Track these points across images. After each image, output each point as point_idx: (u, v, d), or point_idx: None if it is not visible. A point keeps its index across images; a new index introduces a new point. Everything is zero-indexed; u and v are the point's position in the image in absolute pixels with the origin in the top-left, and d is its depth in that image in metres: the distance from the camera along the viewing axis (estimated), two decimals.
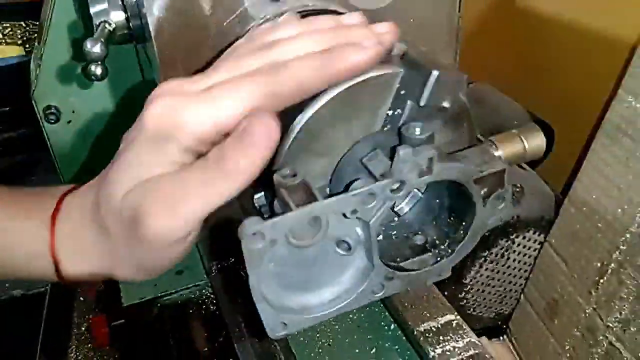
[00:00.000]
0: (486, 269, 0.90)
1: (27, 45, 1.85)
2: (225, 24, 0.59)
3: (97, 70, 0.72)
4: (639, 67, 0.75)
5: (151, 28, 0.57)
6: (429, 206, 0.51)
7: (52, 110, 0.92)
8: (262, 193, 0.49)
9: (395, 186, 0.43)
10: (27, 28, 1.94)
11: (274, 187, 0.44)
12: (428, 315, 0.69)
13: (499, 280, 0.93)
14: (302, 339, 0.73)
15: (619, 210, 0.77)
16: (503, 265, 0.91)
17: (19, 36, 1.89)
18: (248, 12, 0.59)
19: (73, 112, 0.93)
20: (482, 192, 0.45)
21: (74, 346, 1.09)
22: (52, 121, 0.92)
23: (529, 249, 0.92)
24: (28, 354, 0.99)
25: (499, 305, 0.97)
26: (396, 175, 0.42)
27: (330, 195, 0.43)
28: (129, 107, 0.98)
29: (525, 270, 0.94)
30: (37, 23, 2.05)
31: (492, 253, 0.89)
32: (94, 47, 0.61)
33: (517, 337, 0.99)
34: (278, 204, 0.44)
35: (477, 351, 0.64)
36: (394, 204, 0.52)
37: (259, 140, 0.38)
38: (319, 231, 0.44)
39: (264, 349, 0.64)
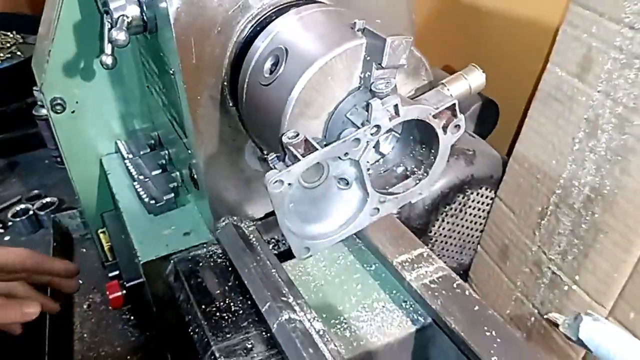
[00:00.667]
0: (447, 222, 1.05)
1: (2, 55, 1.92)
2: (230, 12, 0.72)
3: (108, 60, 0.84)
4: (562, 44, 0.92)
5: (171, 17, 0.69)
6: (405, 143, 0.65)
7: (59, 102, 1.02)
8: (274, 154, 0.62)
9: (374, 130, 0.57)
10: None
11: (283, 146, 0.58)
12: (403, 249, 0.83)
13: (458, 232, 1.09)
14: (299, 279, 0.86)
15: (553, 161, 0.93)
16: (462, 219, 1.07)
17: None
18: (249, 2, 0.73)
19: (77, 102, 1.04)
20: (442, 124, 0.59)
21: (77, 323, 1.19)
22: (59, 111, 1.03)
23: (483, 204, 1.08)
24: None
25: (459, 256, 1.13)
26: (372, 122, 0.57)
27: (327, 145, 0.57)
28: (125, 99, 1.09)
29: (481, 224, 1.10)
30: (7, 33, 2.12)
31: (451, 208, 1.04)
32: (119, 35, 0.74)
33: (477, 282, 1.15)
34: (288, 158, 0.58)
35: (444, 273, 0.79)
36: (378, 146, 0.66)
37: None
38: (323, 173, 0.59)
39: (271, 282, 0.77)
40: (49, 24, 1.00)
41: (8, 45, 1.96)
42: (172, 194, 0.95)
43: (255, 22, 0.73)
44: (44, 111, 1.59)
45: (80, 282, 1.32)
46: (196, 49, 0.72)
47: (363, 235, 0.88)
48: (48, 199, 1.58)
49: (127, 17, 0.76)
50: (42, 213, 1.53)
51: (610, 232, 0.85)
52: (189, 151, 0.85)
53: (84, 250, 1.41)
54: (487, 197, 1.07)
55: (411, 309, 0.80)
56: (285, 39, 0.69)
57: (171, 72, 0.78)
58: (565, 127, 0.91)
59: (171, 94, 0.85)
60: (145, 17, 0.77)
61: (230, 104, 0.78)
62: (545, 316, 0.63)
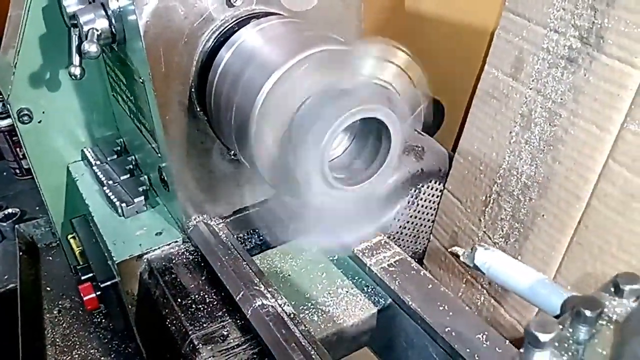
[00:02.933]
0: (402, 214, 1.14)
1: None
2: (195, 24, 0.78)
3: (77, 71, 0.89)
4: (496, 47, 1.01)
5: (141, 30, 0.74)
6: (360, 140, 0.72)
7: (25, 112, 1.05)
8: None
9: None
10: None
11: None
12: (362, 240, 0.90)
13: (412, 223, 1.17)
14: (269, 272, 0.92)
15: (494, 154, 1.03)
16: (414, 210, 1.15)
17: None
18: (212, 15, 0.79)
19: (43, 112, 1.07)
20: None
21: (49, 328, 1.22)
22: (26, 122, 1.06)
23: (433, 196, 1.16)
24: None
25: (414, 245, 1.21)
26: None
27: None
28: (90, 107, 1.13)
29: (432, 214, 1.19)
30: None
31: (405, 200, 1.12)
32: (91, 47, 0.78)
33: (431, 269, 1.24)
34: None
35: (401, 257, 0.87)
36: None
37: None
38: None
39: (243, 274, 0.83)
40: (12, 37, 1.03)
41: None
42: (143, 197, 1.00)
43: (219, 33, 0.80)
44: (1, 123, 1.60)
45: (48, 289, 1.34)
46: (165, 58, 0.78)
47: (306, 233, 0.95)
48: (10, 210, 1.59)
49: (97, 30, 0.81)
50: (4, 224, 1.54)
51: (547, 215, 0.95)
52: (159, 155, 0.90)
53: (50, 258, 1.43)
54: (436, 189, 1.16)
55: (372, 292, 0.87)
56: (248, 48, 0.76)
57: (140, 80, 0.83)
58: (502, 122, 1.01)
59: (140, 101, 0.90)
60: (113, 30, 0.82)
61: (198, 109, 0.84)
62: (449, 250, 0.70)
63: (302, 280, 0.91)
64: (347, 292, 0.89)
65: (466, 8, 1.27)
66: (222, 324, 0.81)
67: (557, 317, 0.53)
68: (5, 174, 1.81)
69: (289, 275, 0.93)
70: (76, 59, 0.89)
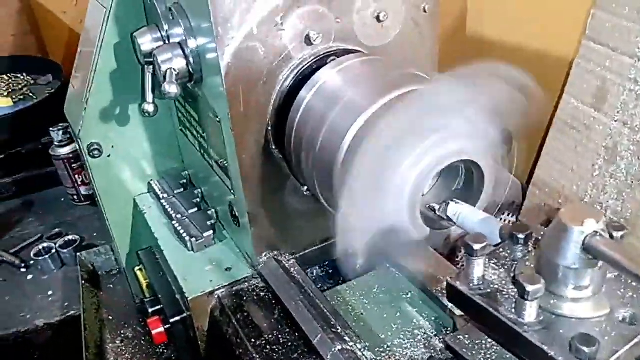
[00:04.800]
0: None
1: (14, 97, 1.96)
2: (274, 64, 0.77)
3: (150, 108, 0.89)
4: (576, 76, 0.97)
5: (222, 71, 0.74)
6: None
7: (96, 147, 1.06)
8: None
9: None
10: (10, 80, 2.05)
11: None
12: (441, 277, 0.87)
13: None
14: (340, 309, 0.89)
15: (574, 186, 0.99)
16: None
17: (4, 88, 1.99)
18: (290, 54, 0.78)
19: (112, 147, 1.08)
20: None
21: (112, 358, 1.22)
22: (96, 156, 1.07)
23: None
24: None
25: None
26: None
27: None
28: (157, 141, 1.13)
29: None
30: (18, 75, 2.15)
31: None
32: (171, 88, 0.78)
33: None
34: None
35: None
36: None
37: None
38: None
39: (318, 313, 0.80)
40: (84, 73, 1.04)
41: (20, 87, 2.00)
42: (211, 231, 0.99)
43: (297, 72, 0.79)
44: (60, 150, 1.63)
45: (110, 318, 1.35)
46: (244, 98, 0.77)
47: (398, 264, 0.93)
48: (70, 237, 1.61)
49: (175, 70, 0.81)
50: (64, 251, 1.56)
51: (635, 254, 0.90)
52: (231, 190, 0.90)
53: (111, 286, 1.44)
54: (509, 222, 1.12)
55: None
56: (330, 88, 0.74)
57: (217, 119, 0.82)
58: (584, 154, 0.97)
59: (213, 138, 0.89)
60: (191, 69, 0.81)
61: (274, 147, 0.83)
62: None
63: (375, 319, 0.88)
64: (424, 333, 0.85)
65: (531, 32, 1.23)
66: None
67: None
68: (63, 199, 1.84)
69: (361, 313, 0.90)
70: (150, 96, 0.89)
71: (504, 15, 1.30)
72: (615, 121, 0.90)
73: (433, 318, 0.87)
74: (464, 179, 0.71)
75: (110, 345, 1.29)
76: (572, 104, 0.98)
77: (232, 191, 0.89)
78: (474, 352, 0.58)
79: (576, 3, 1.01)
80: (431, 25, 0.88)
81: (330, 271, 1.01)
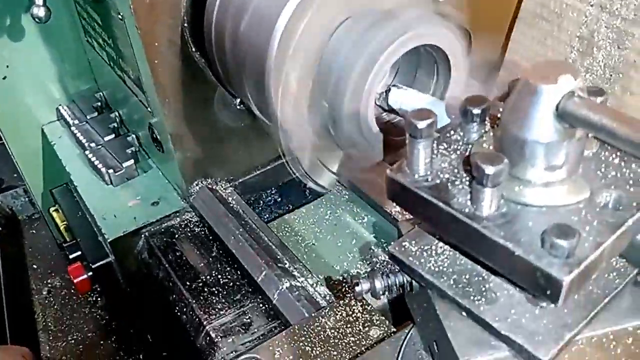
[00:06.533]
0: None
1: None
2: None
3: (41, 12, 0.72)
4: None
5: None
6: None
7: None
8: None
9: None
10: None
11: None
12: None
13: None
14: (288, 241, 0.78)
15: None
16: None
17: None
18: None
19: (7, 66, 0.90)
20: None
21: (39, 311, 1.08)
22: None
23: None
24: None
25: None
26: None
27: None
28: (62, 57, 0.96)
29: None
30: None
31: None
32: None
33: None
34: None
35: None
36: None
37: None
38: None
39: (262, 248, 0.68)
40: None
41: None
42: (132, 160, 0.84)
43: None
44: None
45: (35, 267, 1.20)
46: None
47: (352, 186, 0.81)
48: None
49: None
50: None
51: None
52: (148, 109, 0.74)
53: (34, 232, 1.28)
54: None
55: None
56: None
57: (120, 17, 0.66)
58: (555, 47, 0.85)
59: (121, 44, 0.73)
60: None
61: (193, 49, 0.67)
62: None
63: (329, 249, 0.77)
64: (384, 259, 0.75)
65: None
66: (242, 309, 0.67)
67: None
68: None
69: (313, 244, 0.79)
70: None
71: None
72: (592, 6, 0.78)
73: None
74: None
75: (37, 297, 1.15)
76: None
77: (150, 109, 0.74)
78: (422, 260, 0.45)
79: None
80: None
81: (278, 199, 0.89)
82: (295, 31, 0.51)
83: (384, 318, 0.58)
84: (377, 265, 0.74)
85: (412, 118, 0.39)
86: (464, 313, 0.42)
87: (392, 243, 0.47)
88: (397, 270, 0.48)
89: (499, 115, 0.42)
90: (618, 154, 0.41)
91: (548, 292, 0.35)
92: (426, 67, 0.58)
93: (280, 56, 0.52)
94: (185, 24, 0.65)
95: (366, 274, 0.49)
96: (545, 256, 0.35)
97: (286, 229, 0.81)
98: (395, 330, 0.56)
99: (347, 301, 0.59)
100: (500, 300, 0.42)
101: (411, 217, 0.50)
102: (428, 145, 0.41)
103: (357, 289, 0.49)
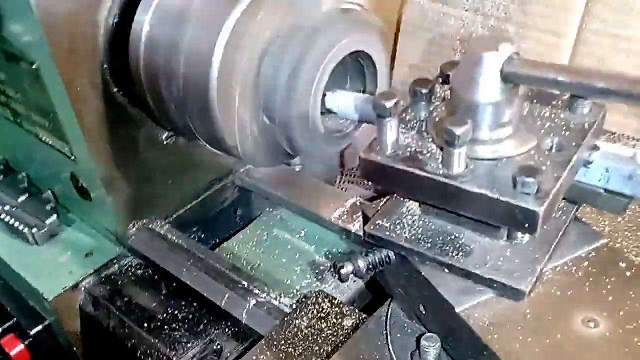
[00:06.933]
0: None
1: None
2: None
3: None
4: None
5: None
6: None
7: None
8: None
9: None
10: None
11: None
12: (334, 205, 0.79)
13: None
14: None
15: None
16: None
17: None
18: None
19: None
20: None
21: None
22: None
23: None
24: None
25: None
26: None
27: None
28: None
29: None
30: None
31: None
32: None
33: None
34: None
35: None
36: None
37: None
38: None
39: (217, 274, 0.69)
40: None
41: None
42: (55, 216, 0.81)
43: None
44: None
45: None
46: (65, 32, 0.61)
47: (286, 203, 0.83)
48: None
49: None
50: None
51: None
52: (72, 158, 0.72)
53: None
54: None
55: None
56: (174, 4, 0.60)
57: (35, 67, 0.64)
58: (440, 52, 0.95)
59: (33, 96, 0.71)
60: None
61: (116, 90, 0.67)
62: None
63: (275, 267, 0.79)
64: (329, 267, 0.78)
65: None
66: (209, 338, 0.67)
67: None
68: None
69: (258, 265, 0.80)
70: None
71: None
72: (467, 11, 0.89)
73: (334, 249, 0.80)
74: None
75: None
76: (419, 3, 0.95)
77: (74, 157, 0.72)
78: (397, 233, 0.51)
79: None
80: None
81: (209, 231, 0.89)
82: (231, 59, 0.54)
83: (353, 307, 0.62)
84: (326, 272, 0.78)
85: (380, 100, 0.45)
86: (446, 270, 0.48)
87: (367, 224, 0.51)
88: (374, 249, 0.52)
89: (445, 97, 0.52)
90: (547, 108, 0.50)
91: (526, 225, 0.42)
92: (356, 69, 0.64)
93: (222, 86, 0.55)
94: (105, 66, 0.65)
95: (349, 258, 0.53)
96: (519, 195, 0.42)
97: (229, 256, 0.81)
98: (365, 316, 0.60)
99: (314, 300, 0.62)
100: (476, 250, 0.49)
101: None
102: (395, 123, 0.47)
103: (343, 271, 0.52)
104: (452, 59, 0.94)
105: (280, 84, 0.55)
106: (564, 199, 0.50)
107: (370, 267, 0.53)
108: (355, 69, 0.64)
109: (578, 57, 0.79)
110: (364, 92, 0.65)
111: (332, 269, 0.60)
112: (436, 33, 0.94)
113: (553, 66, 0.44)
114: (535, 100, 0.52)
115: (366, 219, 0.55)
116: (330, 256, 0.80)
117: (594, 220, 0.59)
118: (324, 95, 0.59)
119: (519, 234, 0.49)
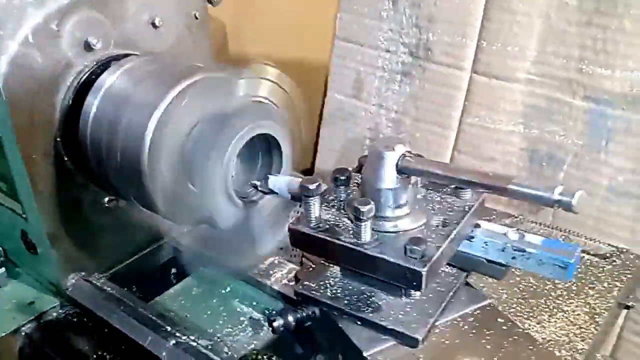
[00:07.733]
0: None
1: None
2: (56, 72, 0.77)
3: None
4: (335, 73, 1.12)
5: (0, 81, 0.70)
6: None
7: None
8: None
9: None
10: None
11: None
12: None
13: None
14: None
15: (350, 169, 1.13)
16: None
17: None
18: (72, 60, 0.77)
19: None
20: None
21: None
22: None
23: None
24: None
25: None
26: None
27: None
28: None
29: None
30: None
31: None
32: None
33: None
34: None
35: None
36: None
37: None
38: None
39: (145, 319, 0.79)
40: None
41: None
42: (3, 268, 0.91)
43: (80, 79, 0.78)
44: None
45: None
46: (27, 109, 0.74)
47: (213, 261, 0.95)
48: None
49: None
50: None
51: None
52: (23, 216, 0.83)
53: None
54: None
55: (274, 312, 0.89)
56: (118, 90, 0.75)
57: None
58: (353, 139, 1.12)
59: None
60: None
61: (66, 159, 0.80)
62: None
63: (200, 318, 0.90)
64: (250, 318, 0.89)
65: (289, 42, 1.36)
66: None
67: None
68: None
69: (186, 316, 0.90)
70: None
71: (262, 32, 1.42)
72: (373, 105, 1.07)
73: (254, 303, 0.91)
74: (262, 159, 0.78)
75: None
76: (336, 98, 1.13)
77: (25, 215, 0.83)
78: (321, 292, 0.65)
79: (323, 9, 1.16)
80: (203, 33, 0.95)
81: (145, 287, 0.99)
82: (160, 138, 0.68)
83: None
84: (245, 322, 0.88)
85: (305, 184, 0.60)
86: (359, 322, 0.63)
87: (296, 284, 0.67)
88: (302, 305, 0.67)
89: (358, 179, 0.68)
90: (437, 193, 0.67)
91: (414, 283, 0.57)
92: (265, 151, 0.78)
93: (152, 158, 0.68)
94: (59, 139, 0.78)
95: (280, 312, 0.68)
96: (408, 259, 0.57)
97: (159, 308, 0.91)
98: None
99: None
100: (382, 306, 0.63)
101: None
102: (317, 201, 0.61)
103: (275, 324, 0.65)
104: (364, 146, 1.12)
105: (197, 159, 0.68)
106: (454, 266, 0.66)
107: (299, 321, 0.65)
108: (266, 149, 0.78)
109: (460, 144, 0.97)
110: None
111: (267, 322, 0.70)
112: (351, 122, 1.11)
113: (434, 162, 0.61)
114: (429, 188, 0.68)
115: (297, 280, 0.68)
116: (252, 308, 0.91)
117: (494, 290, 0.77)
118: (267, 178, 0.74)
119: (412, 291, 0.63)
